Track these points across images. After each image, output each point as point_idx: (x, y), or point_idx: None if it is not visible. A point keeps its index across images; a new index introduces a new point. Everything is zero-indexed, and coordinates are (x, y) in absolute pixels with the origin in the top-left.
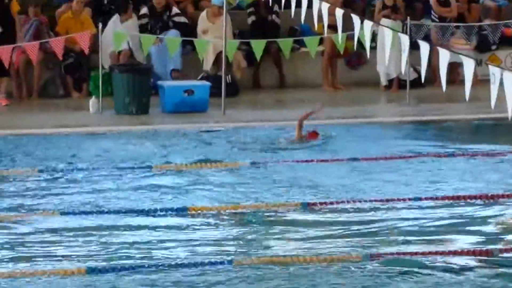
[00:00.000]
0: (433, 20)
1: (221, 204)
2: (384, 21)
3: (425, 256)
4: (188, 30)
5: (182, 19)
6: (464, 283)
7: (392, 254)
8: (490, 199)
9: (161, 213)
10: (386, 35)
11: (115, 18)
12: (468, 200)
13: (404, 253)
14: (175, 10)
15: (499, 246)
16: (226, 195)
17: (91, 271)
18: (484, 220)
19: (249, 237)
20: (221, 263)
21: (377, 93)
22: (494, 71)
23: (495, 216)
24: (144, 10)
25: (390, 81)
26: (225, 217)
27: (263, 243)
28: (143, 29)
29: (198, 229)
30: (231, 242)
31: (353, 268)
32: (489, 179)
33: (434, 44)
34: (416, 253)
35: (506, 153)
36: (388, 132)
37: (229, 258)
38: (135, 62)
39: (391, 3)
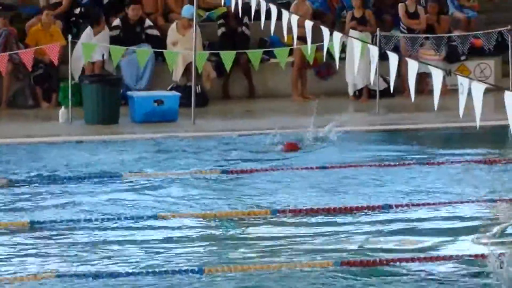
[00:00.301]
0: (402, 32)
1: (192, 211)
2: (352, 32)
3: (393, 263)
4: (160, 43)
5: (155, 31)
6: None
7: (362, 261)
8: (461, 204)
9: (131, 221)
10: (355, 46)
11: (88, 30)
12: (439, 207)
13: (372, 261)
14: (148, 22)
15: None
16: (196, 203)
17: (61, 276)
18: (454, 227)
19: (220, 245)
20: (192, 271)
21: (347, 102)
22: (462, 81)
23: (466, 221)
24: (116, 22)
25: (360, 91)
26: (195, 224)
27: (234, 251)
28: (115, 40)
29: (169, 237)
30: (202, 250)
31: (324, 275)
32: (459, 186)
33: (403, 55)
34: (384, 261)
35: (472, 161)
36: (358, 141)
37: (199, 266)
38: (105, 72)
39: (360, 15)
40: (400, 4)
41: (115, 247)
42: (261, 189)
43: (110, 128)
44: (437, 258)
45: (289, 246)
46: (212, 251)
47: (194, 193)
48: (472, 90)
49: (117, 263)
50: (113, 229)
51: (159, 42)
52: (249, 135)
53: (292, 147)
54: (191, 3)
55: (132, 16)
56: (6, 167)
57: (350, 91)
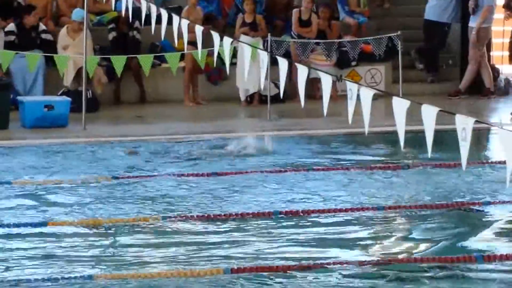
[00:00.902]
0: (292, 37)
1: (83, 218)
2: (243, 37)
3: (284, 271)
4: (53, 47)
5: (49, 36)
6: None
7: (251, 268)
8: (345, 212)
9: (20, 228)
10: (245, 51)
11: None
12: (326, 213)
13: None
14: (42, 27)
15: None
16: (88, 209)
17: None
18: (344, 235)
19: (110, 251)
20: (82, 277)
21: (238, 108)
22: (351, 86)
23: (354, 228)
24: (11, 27)
25: (252, 96)
26: (86, 231)
27: (124, 257)
28: (10, 46)
29: (59, 244)
30: (92, 257)
31: (215, 282)
32: (346, 192)
33: (294, 60)
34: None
35: (359, 167)
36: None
37: (89, 273)
38: None
39: (251, 20)
40: (294, 10)
41: (1, 255)
42: (152, 195)
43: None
44: (322, 265)
45: (181, 253)
46: (102, 258)
47: (85, 199)
48: (361, 96)
49: (7, 270)
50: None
51: (52, 47)
52: (140, 141)
53: None
54: (83, 7)
55: (30, 22)
56: None
57: (242, 97)
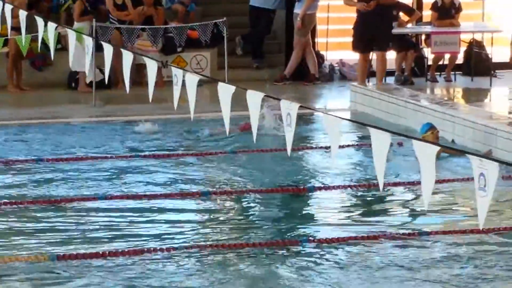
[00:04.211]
0: (112, 23)
1: None
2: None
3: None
4: None
5: None
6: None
7: (77, 255)
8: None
9: None
10: (70, 37)
11: None
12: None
13: (89, 254)
14: None
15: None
16: None
17: None
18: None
19: None
20: None
21: (64, 94)
22: (176, 72)
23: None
24: None
25: (76, 82)
26: None
27: None
28: None
29: None
30: None
31: (38, 269)
32: (175, 181)
33: (118, 46)
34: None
35: (188, 154)
36: (75, 133)
37: None
38: None
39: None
40: None
41: None
42: None
43: None
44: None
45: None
46: None
47: None
48: (186, 82)
49: None
50: None
51: None
52: None
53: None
54: None
55: None
56: None
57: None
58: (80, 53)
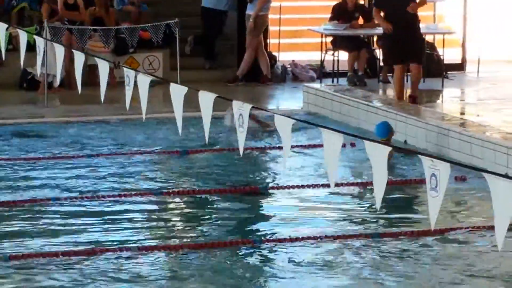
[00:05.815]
0: (64, 23)
1: None
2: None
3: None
4: None
5: None
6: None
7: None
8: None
9: None
10: (21, 37)
11: None
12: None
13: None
14: None
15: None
16: None
17: None
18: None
19: None
20: None
21: (14, 94)
22: (128, 73)
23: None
24: None
25: (29, 83)
26: None
27: None
28: None
29: None
30: None
31: None
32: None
33: (68, 46)
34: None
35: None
36: (23, 134)
37: None
38: None
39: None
40: None
41: None
42: None
43: None
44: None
45: None
46: None
47: None
48: (138, 83)
49: None
50: None
51: None
52: None
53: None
54: None
55: None
56: None
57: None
58: (52, 57)
